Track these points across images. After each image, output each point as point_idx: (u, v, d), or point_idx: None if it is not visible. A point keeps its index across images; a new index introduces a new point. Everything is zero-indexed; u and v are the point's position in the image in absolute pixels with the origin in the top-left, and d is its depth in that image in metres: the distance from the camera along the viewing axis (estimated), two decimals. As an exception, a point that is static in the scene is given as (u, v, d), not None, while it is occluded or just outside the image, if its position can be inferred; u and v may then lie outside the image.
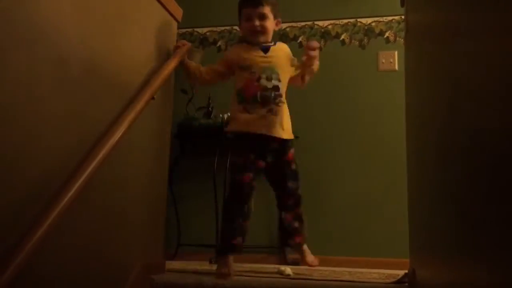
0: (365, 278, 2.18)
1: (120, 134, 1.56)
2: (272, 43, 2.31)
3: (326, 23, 3.40)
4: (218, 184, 3.01)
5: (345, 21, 3.37)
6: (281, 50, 2.33)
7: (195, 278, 2.05)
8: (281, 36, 3.45)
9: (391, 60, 3.23)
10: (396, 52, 3.23)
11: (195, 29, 3.59)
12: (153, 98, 1.80)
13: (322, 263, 2.89)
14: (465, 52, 0.78)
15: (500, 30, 0.56)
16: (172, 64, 2.02)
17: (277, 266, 2.50)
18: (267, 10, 2.24)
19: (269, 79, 2.18)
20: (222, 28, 3.56)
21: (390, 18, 3.29)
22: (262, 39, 2.27)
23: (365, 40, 3.32)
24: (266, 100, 2.16)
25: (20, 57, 1.25)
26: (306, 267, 2.43)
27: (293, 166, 2.32)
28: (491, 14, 0.60)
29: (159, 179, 2.14)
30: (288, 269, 2.26)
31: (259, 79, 2.17)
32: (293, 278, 2.14)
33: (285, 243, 2.38)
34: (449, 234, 0.91)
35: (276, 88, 2.19)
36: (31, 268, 1.21)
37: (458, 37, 0.84)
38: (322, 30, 3.40)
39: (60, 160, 1.41)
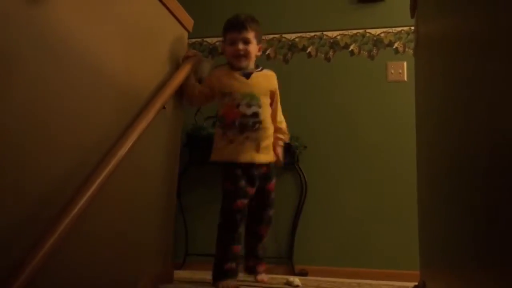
0: (374, 290, 2.17)
1: (131, 143, 1.57)
2: (259, 69, 2.32)
3: (335, 33, 3.41)
4: (227, 193, 3.00)
5: (354, 31, 3.37)
6: (265, 77, 2.33)
7: (203, 288, 2.04)
8: (290, 46, 3.46)
9: (400, 71, 3.23)
10: (405, 63, 3.23)
11: (205, 39, 3.61)
12: (164, 107, 1.81)
13: (331, 274, 2.88)
14: (479, 63, 0.77)
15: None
16: (182, 74, 2.03)
17: (285, 276, 2.49)
18: (251, 35, 2.28)
19: (248, 105, 2.19)
20: (232, 38, 3.56)
21: (399, 28, 3.29)
22: (244, 63, 2.28)
23: (374, 50, 3.32)
24: (244, 127, 2.17)
25: (46, 68, 1.27)
26: (315, 278, 2.42)
27: (273, 196, 2.34)
28: (506, 24, 0.60)
29: (169, 188, 2.14)
30: (296, 280, 2.25)
31: (238, 105, 2.18)
32: (302, 289, 2.13)
33: (253, 271, 2.34)
34: (462, 247, 0.91)
35: (256, 114, 2.20)
36: (43, 274, 1.21)
37: (471, 48, 0.84)
38: (331, 40, 3.41)
39: (72, 168, 1.42)
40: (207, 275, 2.56)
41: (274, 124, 2.32)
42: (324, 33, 3.43)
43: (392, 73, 3.24)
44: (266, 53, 3.50)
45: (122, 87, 1.71)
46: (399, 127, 3.11)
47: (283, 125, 2.39)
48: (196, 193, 3.36)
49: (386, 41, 3.31)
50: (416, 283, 1.94)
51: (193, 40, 3.51)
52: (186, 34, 2.28)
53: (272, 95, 2.31)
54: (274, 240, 3.20)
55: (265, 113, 2.24)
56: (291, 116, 3.31)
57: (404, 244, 2.88)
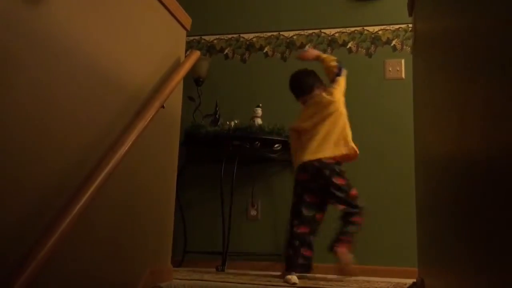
0: (372, 287, 2.18)
1: (131, 142, 1.57)
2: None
3: (333, 31, 3.41)
4: (225, 191, 3.01)
5: (352, 29, 3.38)
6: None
7: (202, 286, 2.05)
8: (288, 44, 3.47)
9: (398, 68, 3.23)
10: (403, 61, 3.23)
11: (203, 37, 3.61)
12: (163, 106, 1.81)
13: (329, 271, 2.88)
14: (476, 60, 0.78)
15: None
16: (181, 73, 2.03)
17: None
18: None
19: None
20: (230, 36, 3.57)
21: (397, 26, 3.30)
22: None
23: (372, 48, 3.32)
24: None
25: (44, 68, 1.27)
26: (313, 274, 2.45)
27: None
28: (504, 21, 0.61)
29: (168, 186, 2.15)
30: (294, 278, 2.26)
31: None
32: (300, 287, 2.14)
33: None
34: (460, 244, 0.92)
35: None
36: (43, 275, 1.22)
37: (468, 45, 0.84)
38: (329, 38, 3.41)
39: (72, 167, 1.42)
40: (206, 273, 2.58)
41: None
42: (322, 30, 3.43)
43: (390, 70, 3.25)
44: (264, 51, 3.50)
45: (121, 87, 1.71)
46: (397, 124, 3.11)
47: None
48: (195, 191, 3.36)
49: (384, 39, 3.31)
50: (414, 280, 1.95)
51: (191, 38, 3.51)
52: (184, 33, 2.28)
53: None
54: (273, 238, 3.22)
55: None
56: (290, 114, 3.32)
57: (402, 241, 2.89)
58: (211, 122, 3.28)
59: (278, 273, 2.49)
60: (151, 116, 1.72)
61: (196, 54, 2.23)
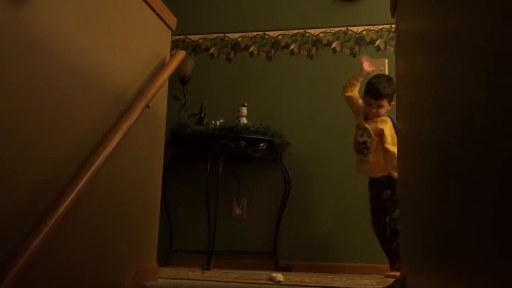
0: (355, 284, 2.21)
1: (116, 142, 1.58)
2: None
3: (317, 31, 3.44)
4: (211, 190, 3.02)
5: (336, 29, 3.41)
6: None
7: (188, 285, 2.06)
8: (273, 44, 3.48)
9: (381, 68, 3.27)
10: (386, 60, 3.27)
11: (188, 36, 3.61)
12: (148, 106, 1.82)
13: (314, 269, 2.91)
14: (455, 60, 0.80)
15: (490, 39, 0.59)
16: (167, 73, 2.04)
17: (269, 272, 2.52)
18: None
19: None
20: (215, 35, 3.58)
21: (380, 26, 3.33)
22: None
23: (356, 48, 3.36)
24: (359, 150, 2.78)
25: (26, 69, 1.27)
26: (298, 273, 2.46)
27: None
28: (482, 23, 0.63)
29: (154, 185, 2.15)
30: (279, 276, 2.27)
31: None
32: (285, 285, 2.16)
33: None
34: (443, 242, 0.94)
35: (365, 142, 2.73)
36: (28, 274, 1.22)
37: (448, 46, 0.87)
38: (314, 38, 3.44)
39: (57, 167, 1.42)
40: (192, 272, 2.58)
41: None
42: (307, 30, 3.46)
43: (373, 70, 3.28)
44: (250, 50, 3.51)
45: (106, 86, 1.71)
46: (380, 124, 3.15)
47: None
48: (180, 190, 3.37)
49: (367, 39, 3.35)
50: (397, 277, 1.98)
51: (176, 37, 3.51)
52: (169, 33, 2.28)
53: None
54: (258, 236, 3.23)
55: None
56: (274, 114, 3.34)
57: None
58: (196, 122, 3.28)
59: (265, 272, 2.50)
60: (136, 116, 1.73)
61: (182, 54, 2.23)
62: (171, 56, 2.24)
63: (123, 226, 1.84)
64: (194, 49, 3.60)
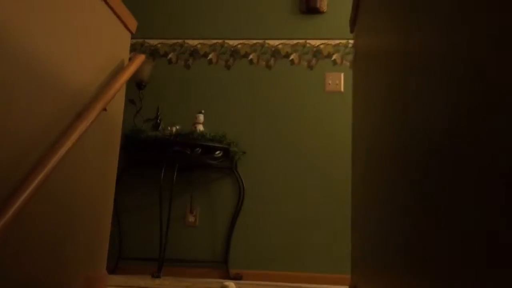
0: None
1: (71, 144, 1.54)
2: None
3: (276, 42, 3.48)
4: (164, 197, 2.98)
5: (295, 41, 3.46)
6: None
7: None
8: (232, 52, 3.50)
9: (337, 82, 3.34)
10: (342, 74, 3.35)
11: (146, 40, 3.57)
12: (105, 109, 1.78)
13: (266, 278, 2.92)
14: (410, 75, 0.83)
15: (443, 54, 0.62)
16: (125, 76, 2.01)
17: (220, 280, 2.51)
18: None
19: None
20: (174, 41, 3.56)
21: (337, 41, 3.41)
22: None
23: (314, 61, 3.42)
24: None
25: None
26: (250, 282, 2.45)
27: None
28: (435, 39, 0.66)
29: (107, 190, 2.10)
30: (232, 284, 2.27)
31: None
32: (238, 293, 2.15)
33: None
34: (393, 249, 0.96)
35: None
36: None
37: (403, 62, 0.90)
38: (273, 49, 3.47)
39: (8, 168, 1.37)
40: (142, 280, 2.53)
41: None
42: (266, 41, 3.49)
43: (329, 83, 3.35)
44: (208, 58, 3.51)
45: (62, 86, 1.67)
46: (335, 135, 3.22)
47: None
48: (133, 196, 3.30)
49: (325, 53, 3.42)
50: (347, 287, 2.02)
51: (134, 40, 3.46)
52: (129, 36, 2.25)
53: None
54: (210, 244, 3.21)
55: None
56: (231, 122, 3.35)
57: (338, 249, 2.98)
58: (152, 127, 3.24)
59: (216, 280, 2.49)
60: (93, 118, 1.69)
61: (141, 58, 2.21)
62: (130, 59, 2.21)
63: (73, 231, 1.79)
64: (152, 54, 3.56)
